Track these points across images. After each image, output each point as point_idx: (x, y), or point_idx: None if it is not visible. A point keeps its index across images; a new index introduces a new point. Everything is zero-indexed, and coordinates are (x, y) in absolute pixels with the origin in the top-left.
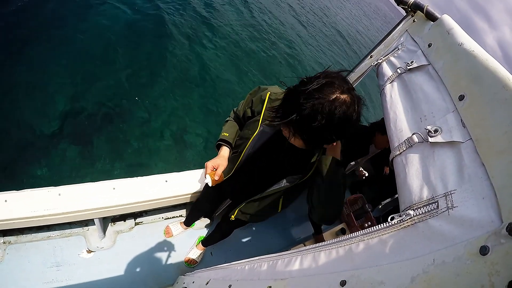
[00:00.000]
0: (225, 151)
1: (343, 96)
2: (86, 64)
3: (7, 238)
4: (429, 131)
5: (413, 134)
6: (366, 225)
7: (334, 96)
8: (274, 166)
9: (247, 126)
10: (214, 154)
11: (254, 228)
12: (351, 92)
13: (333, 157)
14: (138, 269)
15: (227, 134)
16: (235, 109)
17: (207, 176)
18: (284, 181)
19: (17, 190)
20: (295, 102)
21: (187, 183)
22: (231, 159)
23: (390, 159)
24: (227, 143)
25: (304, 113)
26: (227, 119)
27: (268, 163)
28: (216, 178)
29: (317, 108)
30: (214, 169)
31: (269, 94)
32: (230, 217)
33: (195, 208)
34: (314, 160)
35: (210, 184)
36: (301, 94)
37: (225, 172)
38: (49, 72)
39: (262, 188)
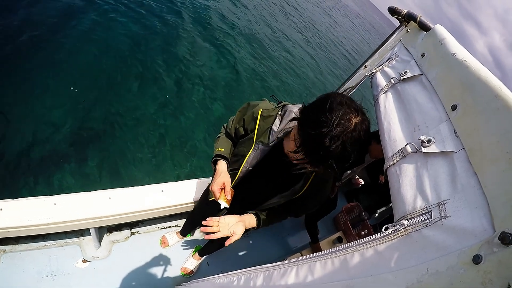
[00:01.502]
0: (223, 165)
1: (358, 119)
2: (83, 75)
3: (2, 247)
4: (423, 141)
5: (407, 144)
6: (363, 233)
7: (353, 124)
8: (270, 182)
9: (242, 144)
10: (209, 163)
11: (250, 238)
12: (361, 110)
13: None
14: (133, 279)
15: (223, 149)
16: (225, 125)
17: (220, 201)
18: (277, 197)
19: (13, 198)
20: (321, 146)
21: (183, 193)
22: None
23: (384, 169)
24: (223, 158)
25: (336, 154)
26: (219, 135)
27: (264, 179)
28: (229, 197)
29: (345, 143)
30: (221, 189)
31: (261, 111)
32: None
33: (191, 218)
34: (307, 177)
35: (227, 206)
36: (324, 137)
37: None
38: (45, 84)
39: (257, 203)
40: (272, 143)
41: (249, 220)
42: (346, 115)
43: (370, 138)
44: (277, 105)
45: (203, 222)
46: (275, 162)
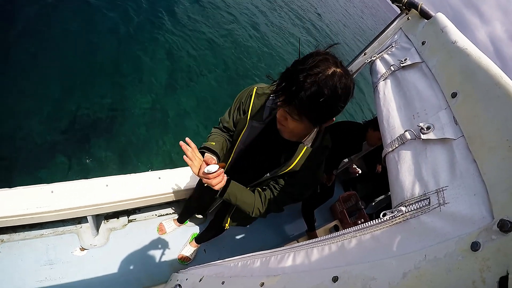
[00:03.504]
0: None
1: (338, 70)
2: (79, 65)
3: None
4: (422, 128)
5: (406, 131)
6: (359, 222)
7: (331, 70)
8: (262, 158)
9: (237, 125)
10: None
11: (247, 226)
12: (343, 66)
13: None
14: (131, 267)
15: (213, 143)
16: (221, 118)
17: (208, 167)
18: (267, 174)
19: (9, 187)
20: (295, 81)
21: (180, 180)
22: (224, 159)
23: (383, 156)
24: (210, 151)
25: (309, 91)
26: (212, 131)
27: (258, 160)
28: (212, 162)
29: (319, 83)
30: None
31: (256, 89)
32: (224, 226)
33: (188, 205)
34: (299, 152)
35: (218, 167)
36: (299, 72)
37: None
38: (42, 74)
39: (251, 183)
40: (266, 120)
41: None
42: (326, 62)
43: (366, 125)
44: (272, 83)
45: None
46: (269, 139)
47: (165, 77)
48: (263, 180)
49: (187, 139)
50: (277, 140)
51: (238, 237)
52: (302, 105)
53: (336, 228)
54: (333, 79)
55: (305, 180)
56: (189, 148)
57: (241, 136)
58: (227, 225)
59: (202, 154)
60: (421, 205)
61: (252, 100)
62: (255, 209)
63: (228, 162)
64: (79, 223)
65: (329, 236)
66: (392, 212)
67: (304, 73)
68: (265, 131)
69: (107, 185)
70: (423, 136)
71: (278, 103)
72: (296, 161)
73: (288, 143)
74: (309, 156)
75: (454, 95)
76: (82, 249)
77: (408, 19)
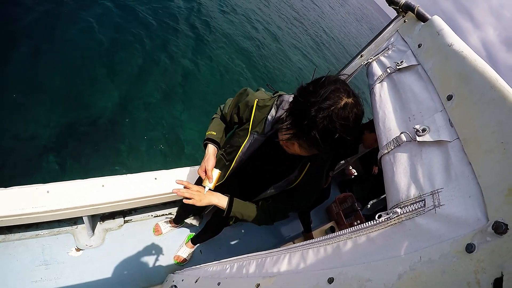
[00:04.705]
0: (210, 149)
1: (349, 100)
2: (75, 69)
3: None
4: (417, 130)
5: (402, 133)
6: (355, 223)
7: (343, 102)
8: (265, 172)
9: (237, 134)
10: (203, 151)
11: (243, 227)
12: (354, 94)
13: None
14: (127, 268)
15: (214, 133)
16: (221, 106)
17: (205, 186)
18: (271, 188)
19: (5, 187)
20: (307, 116)
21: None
22: (224, 167)
23: (379, 158)
24: (213, 142)
25: (321, 127)
26: (214, 116)
27: (258, 170)
28: (211, 181)
29: (331, 117)
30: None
31: (257, 101)
32: (229, 223)
33: (184, 206)
34: (302, 167)
35: (212, 188)
36: (311, 106)
37: (219, 179)
38: (39, 76)
39: (253, 194)
40: (267, 133)
41: (222, 200)
42: (337, 92)
43: (362, 128)
44: (273, 94)
45: (177, 182)
46: (270, 152)
47: (163, 81)
48: (268, 195)
49: (177, 181)
50: (278, 153)
51: (234, 238)
52: (313, 141)
53: (332, 230)
54: (345, 111)
55: (310, 191)
56: (185, 190)
57: (242, 147)
58: (231, 222)
59: (206, 146)
60: (416, 207)
61: (253, 112)
62: (261, 222)
63: (229, 170)
64: (75, 223)
65: (325, 237)
66: (387, 214)
67: (316, 106)
68: (266, 144)
69: (103, 186)
70: (418, 138)
71: (288, 136)
72: (301, 177)
73: (291, 156)
74: (313, 167)
75: (449, 97)
76: (78, 249)
77: (404, 21)
